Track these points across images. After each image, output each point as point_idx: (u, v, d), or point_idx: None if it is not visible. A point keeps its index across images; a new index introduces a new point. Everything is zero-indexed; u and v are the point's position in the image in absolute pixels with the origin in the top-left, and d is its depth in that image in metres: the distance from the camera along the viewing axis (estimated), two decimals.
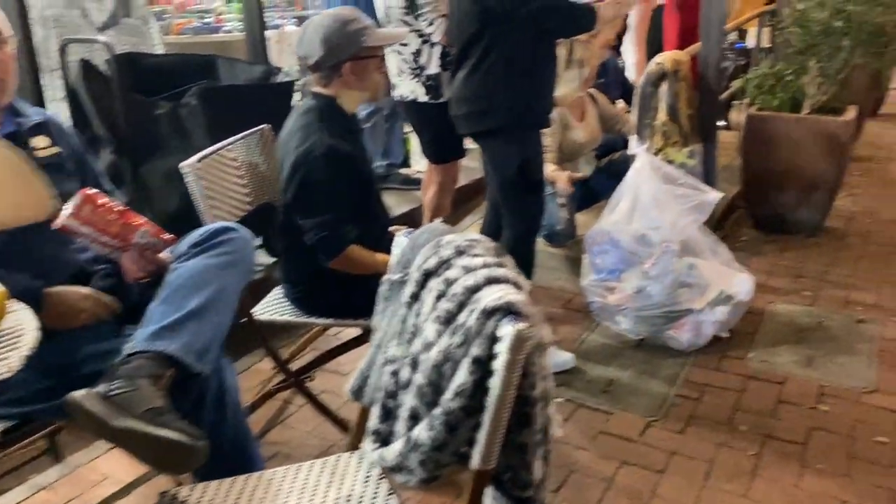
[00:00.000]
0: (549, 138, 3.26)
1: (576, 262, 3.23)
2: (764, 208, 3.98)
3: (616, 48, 5.00)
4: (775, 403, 2.45)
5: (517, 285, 1.21)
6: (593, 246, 2.93)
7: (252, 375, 2.64)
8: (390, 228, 2.30)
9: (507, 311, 1.12)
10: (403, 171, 4.29)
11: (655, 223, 2.84)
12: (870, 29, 3.73)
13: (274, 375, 2.42)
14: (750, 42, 5.49)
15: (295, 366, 2.38)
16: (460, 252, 1.27)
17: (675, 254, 2.83)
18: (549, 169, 3.17)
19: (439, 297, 1.23)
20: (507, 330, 1.09)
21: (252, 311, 2.18)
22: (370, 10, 3.14)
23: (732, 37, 5.94)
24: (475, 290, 1.18)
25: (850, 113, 3.78)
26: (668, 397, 2.50)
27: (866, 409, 2.40)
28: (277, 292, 2.28)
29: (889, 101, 7.27)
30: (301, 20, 5.10)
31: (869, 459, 2.17)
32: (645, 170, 2.88)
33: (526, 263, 2.58)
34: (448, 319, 1.18)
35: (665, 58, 3.10)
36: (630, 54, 5.00)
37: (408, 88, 3.06)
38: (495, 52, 2.34)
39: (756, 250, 3.75)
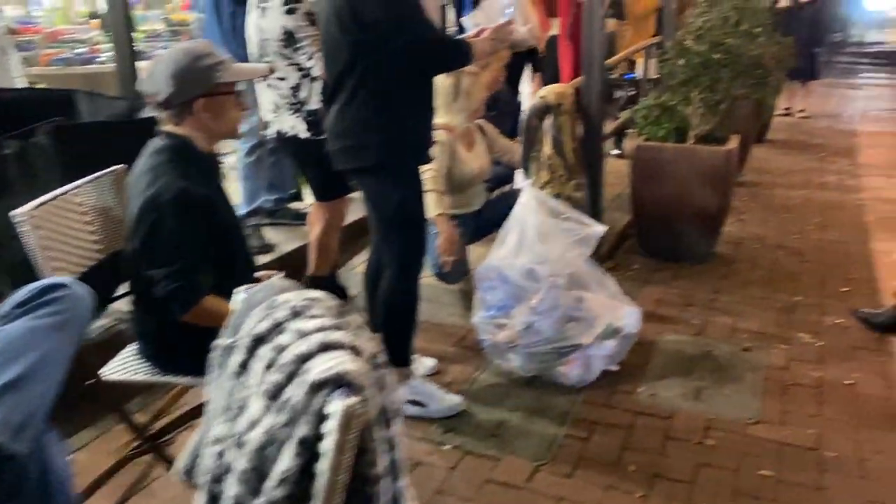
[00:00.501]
0: (435, 169, 3.19)
1: (470, 297, 3.15)
2: (654, 237, 4.02)
3: (513, 80, 5.03)
4: (663, 440, 2.41)
5: (355, 351, 1.09)
6: (482, 282, 2.86)
7: (113, 438, 2.42)
8: (259, 274, 2.15)
9: (338, 383, 1.00)
10: (294, 205, 4.13)
11: (542, 257, 2.80)
12: (747, 61, 3.86)
13: (133, 439, 2.21)
14: (640, 73, 5.63)
15: (158, 425, 2.19)
16: (296, 313, 1.15)
17: (562, 288, 2.79)
18: (438, 222, 3.11)
19: (268, 366, 1.10)
20: (336, 406, 0.97)
21: (101, 371, 1.98)
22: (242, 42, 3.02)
23: (626, 67, 6.11)
24: (306, 358, 1.06)
25: (733, 142, 3.89)
26: (557, 438, 2.43)
27: (751, 442, 2.40)
28: (131, 349, 2.09)
29: (774, 127, 7.64)
30: None
31: (753, 495, 2.15)
32: (530, 204, 2.84)
33: (408, 304, 2.48)
34: (275, 394, 1.05)
35: (548, 91, 3.09)
36: (527, 85, 5.04)
37: (287, 124, 2.92)
38: (368, 84, 2.24)
39: (647, 279, 3.77)
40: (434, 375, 2.80)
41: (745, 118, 5.34)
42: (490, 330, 2.84)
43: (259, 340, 1.14)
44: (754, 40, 3.80)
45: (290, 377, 1.05)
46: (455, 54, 2.27)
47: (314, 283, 3.07)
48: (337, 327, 1.12)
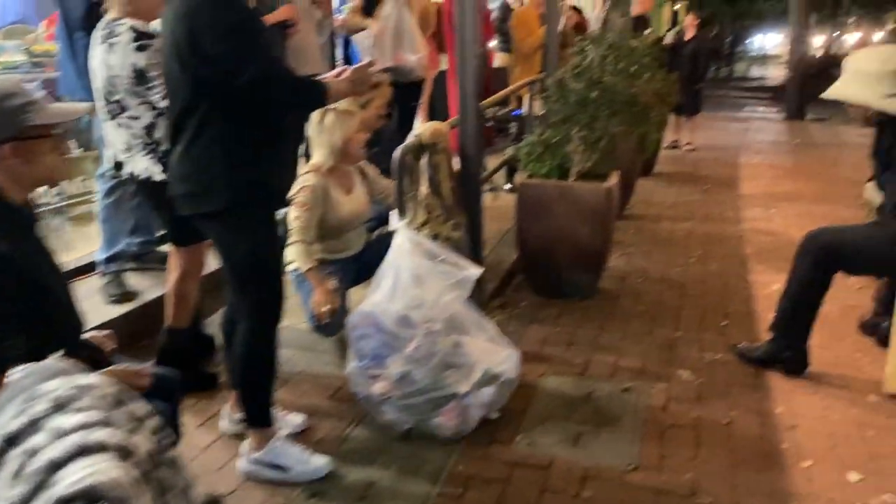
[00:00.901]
0: (303, 217, 3.04)
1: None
2: (540, 273, 3.98)
3: (407, 113, 4.95)
4: (539, 493, 2.31)
5: (124, 452, 0.92)
6: (355, 330, 2.70)
7: None
8: (90, 335, 1.93)
9: (89, 498, 0.82)
10: (165, 248, 3.86)
11: (417, 302, 2.67)
12: (625, 99, 3.90)
13: None
14: (526, 109, 5.66)
15: None
16: (59, 406, 0.97)
17: (439, 333, 2.67)
18: (310, 276, 2.96)
19: (16, 474, 0.91)
20: None
21: None
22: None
23: (516, 103, 6.14)
24: (58, 466, 0.88)
25: (613, 179, 3.90)
26: (430, 498, 2.29)
27: (628, 491, 2.33)
28: None
29: (661, 160, 7.87)
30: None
31: None
32: (405, 246, 2.71)
33: (264, 361, 2.30)
34: None
35: (423, 129, 3.00)
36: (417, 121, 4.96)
37: (141, 166, 2.71)
38: (212, 124, 2.08)
39: (533, 317, 3.71)
40: (303, 433, 2.61)
41: (629, 153, 5.44)
42: (364, 381, 2.68)
43: (11, 441, 0.95)
44: (631, 78, 3.84)
45: (37, 490, 0.87)
46: (306, 94, 2.13)
47: (172, 335, 2.84)
48: (105, 423, 0.95)
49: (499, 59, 7.07)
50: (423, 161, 3.01)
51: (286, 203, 2.31)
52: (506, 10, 6.75)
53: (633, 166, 5.59)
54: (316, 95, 2.12)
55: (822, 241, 2.93)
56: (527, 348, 3.33)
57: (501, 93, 4.70)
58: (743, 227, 5.40)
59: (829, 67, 14.80)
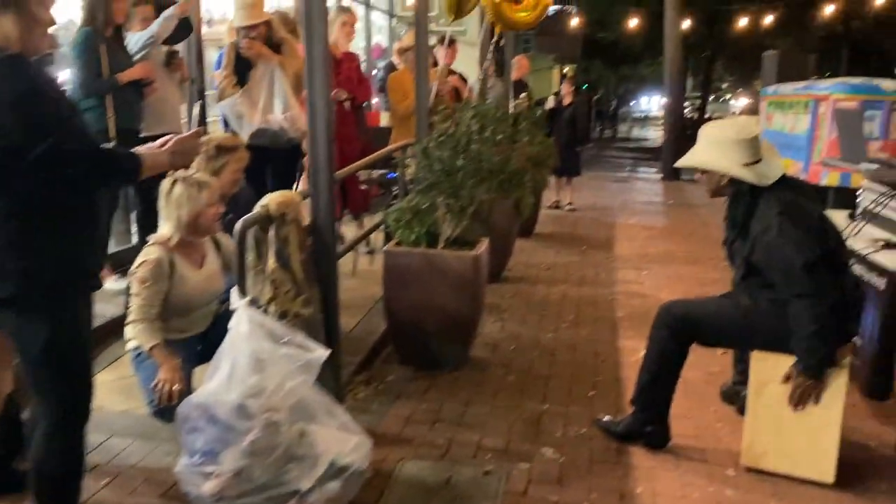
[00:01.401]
0: (144, 296, 2.79)
1: None
2: (409, 344, 3.84)
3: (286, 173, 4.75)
4: None
5: None
6: (185, 423, 2.44)
7: None
8: None
9: None
10: None
11: (257, 389, 2.44)
12: (491, 167, 3.87)
13: None
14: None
15: None
16: None
17: (281, 424, 2.45)
18: (154, 353, 2.72)
19: None
20: None
21: None
22: None
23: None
24: None
25: (482, 246, 3.83)
26: None
27: None
28: None
29: (542, 221, 7.99)
30: None
31: None
32: (242, 329, 2.50)
33: (66, 470, 2.01)
34: None
35: (270, 199, 2.83)
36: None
37: None
38: (2, 202, 1.83)
39: (400, 392, 3.55)
40: None
41: (505, 216, 5.45)
42: (195, 480, 2.41)
43: None
44: (500, 145, 3.82)
45: None
46: (109, 168, 1.92)
47: None
48: None
49: (384, 119, 7.02)
50: (271, 233, 2.82)
51: (93, 285, 2.06)
52: (389, 70, 6.73)
53: (510, 229, 5.60)
54: (125, 170, 1.92)
55: (676, 312, 2.93)
56: (389, 429, 3.16)
57: (373, 156, 4.59)
58: (615, 290, 5.47)
59: None
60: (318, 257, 2.96)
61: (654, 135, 27.68)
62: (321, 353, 2.55)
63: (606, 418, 3.20)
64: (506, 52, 7.87)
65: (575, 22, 22.89)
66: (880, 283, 3.26)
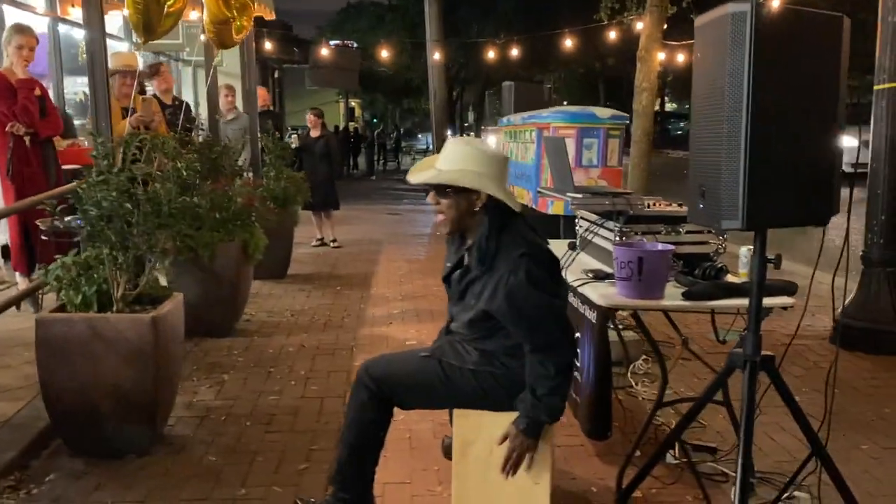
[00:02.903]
0: None
1: None
2: (77, 432, 3.13)
3: None
4: None
5: None
6: None
7: None
8: None
9: None
10: None
11: None
12: (177, 207, 3.29)
13: None
14: None
15: None
16: None
17: None
18: None
19: None
20: None
21: None
22: None
23: None
24: None
25: (168, 304, 3.23)
26: None
27: None
28: None
29: (302, 260, 7.50)
30: None
31: None
32: None
33: None
34: None
35: None
36: None
37: None
38: None
39: (59, 495, 2.83)
40: None
41: (233, 261, 4.87)
42: None
43: None
44: (176, 189, 3.25)
45: None
46: None
47: None
48: None
49: None
50: None
51: None
52: None
53: (240, 275, 5.01)
54: None
55: (374, 374, 2.53)
56: None
57: (35, 197, 3.83)
58: (360, 335, 5.06)
59: None
60: None
61: None
62: None
63: (311, 500, 2.72)
64: (250, 84, 7.32)
65: (348, 55, 22.90)
66: (592, 316, 3.11)
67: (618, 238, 3.19)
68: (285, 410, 3.71)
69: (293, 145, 8.08)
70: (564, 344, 2.33)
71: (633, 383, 4.13)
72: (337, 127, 25.28)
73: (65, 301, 3.16)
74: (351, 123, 31.34)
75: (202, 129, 5.80)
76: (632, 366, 4.38)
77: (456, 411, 2.53)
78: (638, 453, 2.95)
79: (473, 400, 2.44)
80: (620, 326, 4.69)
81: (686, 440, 3.32)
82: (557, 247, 3.51)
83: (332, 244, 8.83)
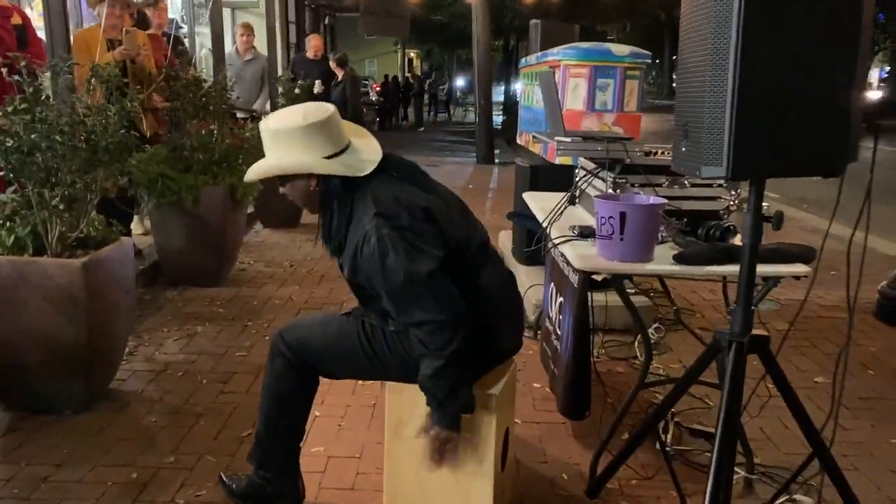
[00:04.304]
0: None
1: None
2: (6, 384, 2.89)
3: None
4: None
5: None
6: None
7: None
8: None
9: None
10: None
11: None
12: (111, 147, 2.95)
13: None
14: None
15: None
16: None
17: None
18: None
19: None
20: None
21: None
22: None
23: None
24: None
25: (106, 250, 2.94)
26: None
27: None
28: None
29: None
30: None
31: None
32: None
33: None
34: None
35: None
36: None
37: None
38: None
39: None
40: None
41: (219, 207, 4.57)
42: None
43: None
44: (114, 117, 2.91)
45: None
46: None
47: None
48: None
49: None
50: None
51: None
52: None
53: (226, 222, 4.69)
54: None
55: (289, 339, 2.19)
56: None
57: None
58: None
59: None
60: None
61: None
62: None
63: (228, 474, 2.41)
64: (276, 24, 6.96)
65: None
66: (574, 279, 2.69)
67: (611, 190, 2.76)
68: (248, 369, 3.42)
69: (315, 90, 7.74)
70: (438, 318, 1.87)
71: (639, 354, 3.70)
72: (387, 76, 24.80)
73: None
74: (410, 74, 30.67)
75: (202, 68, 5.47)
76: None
77: (388, 386, 2.17)
78: (626, 436, 2.57)
79: (401, 371, 2.07)
80: (634, 291, 4.26)
81: (682, 423, 2.92)
82: (553, 199, 3.09)
83: None
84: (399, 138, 18.10)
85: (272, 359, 2.20)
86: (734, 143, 1.65)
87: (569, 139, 2.80)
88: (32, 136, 2.64)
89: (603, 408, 2.85)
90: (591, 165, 3.10)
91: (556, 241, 2.65)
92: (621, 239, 2.30)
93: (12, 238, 2.88)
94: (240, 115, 6.98)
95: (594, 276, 2.60)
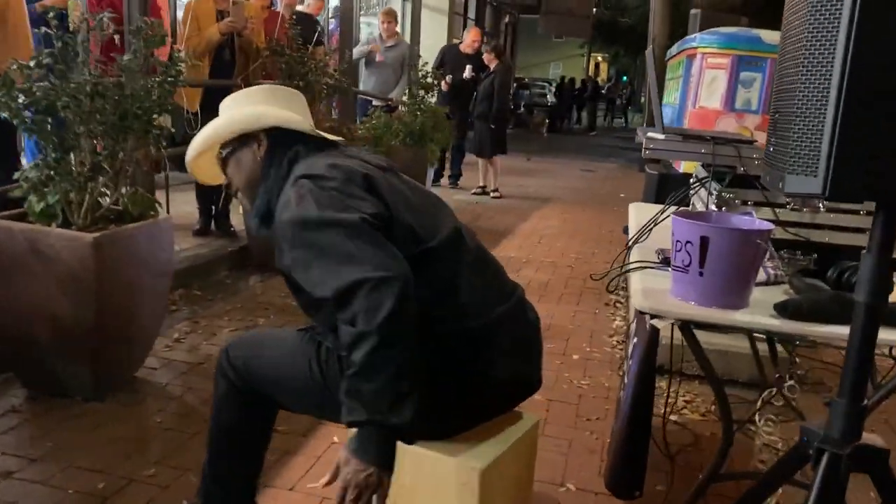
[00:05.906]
0: None
1: None
2: (15, 358, 2.72)
3: None
4: None
5: None
6: None
7: None
8: None
9: None
10: None
11: None
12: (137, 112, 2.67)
13: None
14: None
15: None
16: None
17: None
18: None
19: None
20: None
21: None
22: None
23: None
24: None
25: (130, 228, 2.68)
26: None
27: None
28: None
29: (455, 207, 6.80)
30: None
31: None
32: None
33: None
34: None
35: None
36: None
37: None
38: None
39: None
40: None
41: None
42: None
43: None
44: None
45: None
46: None
47: None
48: None
49: None
50: None
51: None
52: None
53: None
54: None
55: (235, 362, 1.73)
56: None
57: None
58: None
59: None
60: None
61: None
62: None
63: (194, 501, 2.03)
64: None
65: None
66: (643, 323, 2.04)
67: (713, 207, 2.09)
68: None
69: (465, 75, 7.44)
70: (374, 275, 1.31)
71: (758, 419, 2.91)
72: (563, 78, 24.13)
73: (27, 209, 2.71)
74: (587, 77, 29.77)
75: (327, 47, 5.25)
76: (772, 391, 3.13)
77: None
78: None
79: None
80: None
81: None
82: (650, 211, 2.43)
83: (491, 194, 8.05)
84: (566, 141, 17.44)
85: (216, 379, 1.78)
86: (838, 141, 0.99)
87: (661, 136, 2.14)
88: (49, 95, 2.41)
89: (668, 489, 2.17)
90: (703, 174, 2.42)
91: (628, 268, 2.02)
92: (700, 273, 1.65)
93: (42, 205, 2.69)
94: (375, 102, 6.76)
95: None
